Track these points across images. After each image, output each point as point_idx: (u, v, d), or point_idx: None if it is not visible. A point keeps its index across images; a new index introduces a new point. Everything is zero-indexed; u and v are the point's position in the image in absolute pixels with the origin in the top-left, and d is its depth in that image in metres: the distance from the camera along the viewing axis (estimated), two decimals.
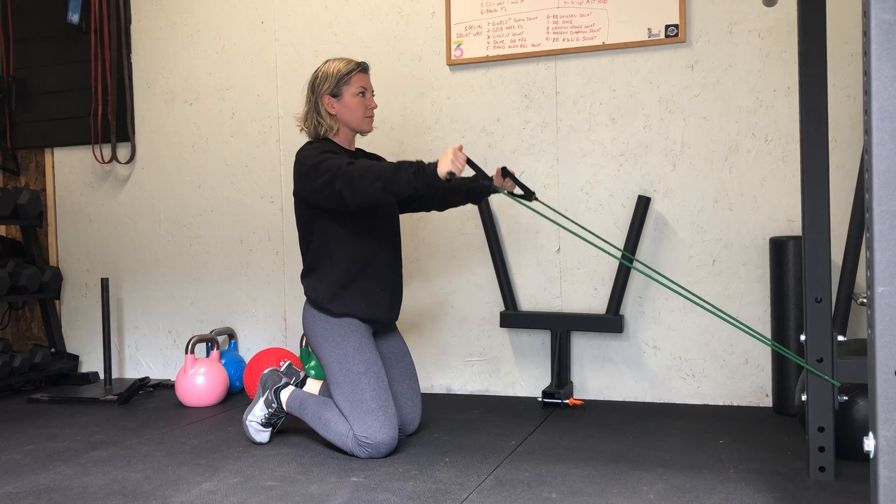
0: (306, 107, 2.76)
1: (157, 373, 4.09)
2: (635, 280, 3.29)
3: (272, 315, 3.86)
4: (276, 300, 3.85)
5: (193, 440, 2.83)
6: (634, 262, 3.15)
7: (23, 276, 3.86)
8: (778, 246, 2.97)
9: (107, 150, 4.11)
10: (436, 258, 3.57)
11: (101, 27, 4.05)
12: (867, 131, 1.36)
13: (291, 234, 3.75)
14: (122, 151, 4.10)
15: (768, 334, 3.09)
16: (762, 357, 3.15)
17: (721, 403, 3.21)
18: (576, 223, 2.53)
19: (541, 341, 3.43)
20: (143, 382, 3.62)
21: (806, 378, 2.21)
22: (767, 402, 3.14)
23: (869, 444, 1.38)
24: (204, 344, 3.69)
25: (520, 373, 3.46)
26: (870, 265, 1.36)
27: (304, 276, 2.76)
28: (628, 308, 3.31)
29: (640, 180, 3.28)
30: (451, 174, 2.32)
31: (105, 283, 3.82)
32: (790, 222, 3.10)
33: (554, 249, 3.40)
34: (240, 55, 3.86)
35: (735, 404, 3.19)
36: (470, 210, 3.46)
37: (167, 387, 3.80)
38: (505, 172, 2.61)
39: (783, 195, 3.11)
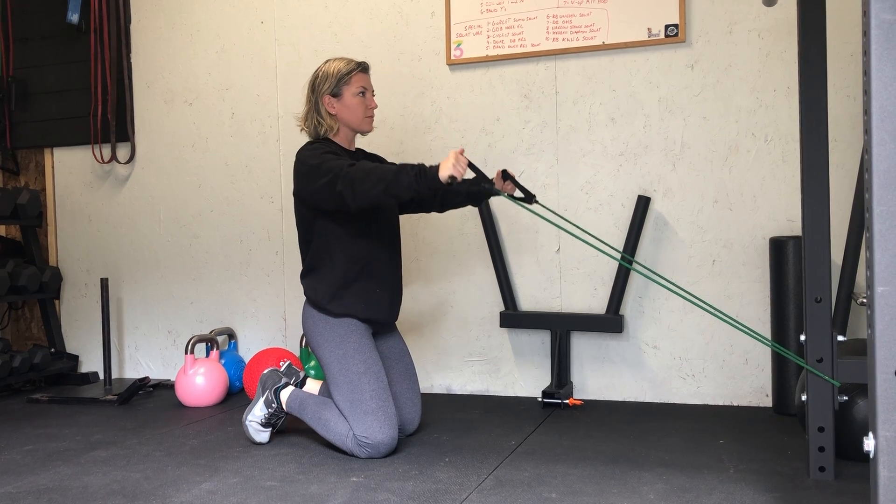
0: (306, 106, 2.76)
1: (156, 373, 4.08)
2: (635, 280, 3.29)
3: (272, 315, 3.86)
4: (276, 300, 3.85)
5: (193, 440, 2.82)
6: (634, 263, 3.15)
7: (22, 276, 3.86)
8: (778, 246, 2.97)
9: (106, 150, 4.11)
10: (436, 258, 3.57)
11: (101, 27, 4.04)
12: (867, 131, 1.36)
13: (291, 234, 3.75)
14: (122, 151, 4.10)
15: (768, 334, 3.09)
16: (762, 357, 3.15)
17: (721, 403, 3.21)
18: (576, 226, 2.53)
19: (541, 341, 3.43)
20: (143, 382, 3.62)
21: (806, 378, 2.21)
22: (767, 402, 3.14)
23: (869, 444, 1.38)
24: (204, 344, 3.69)
25: (520, 373, 3.46)
26: (870, 265, 1.36)
27: (304, 276, 2.76)
28: (628, 308, 3.31)
29: (640, 180, 3.28)
30: (452, 178, 2.32)
31: (105, 283, 3.82)
32: (790, 222, 3.10)
33: (554, 249, 3.40)
34: (239, 55, 3.86)
35: (735, 404, 3.19)
36: (470, 210, 3.46)
37: (167, 387, 3.80)
38: (505, 175, 2.61)
39: (783, 195, 3.11)
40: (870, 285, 1.36)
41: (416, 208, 2.89)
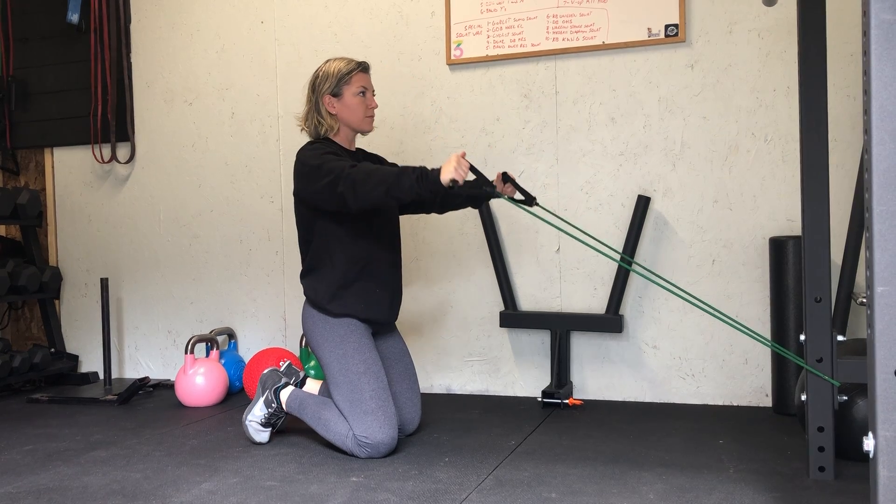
0: (307, 106, 2.76)
1: (156, 373, 4.08)
2: (635, 280, 3.29)
3: (272, 315, 3.86)
4: (276, 300, 3.85)
5: (193, 440, 2.83)
6: (633, 264, 3.15)
7: (22, 275, 3.86)
8: (778, 246, 2.97)
9: (106, 150, 4.11)
10: (436, 258, 3.57)
11: (101, 27, 4.04)
12: (867, 131, 1.36)
13: (291, 234, 3.75)
14: (122, 151, 4.10)
15: (768, 334, 3.09)
16: (762, 357, 3.15)
17: (721, 403, 3.21)
18: (576, 227, 2.52)
19: (540, 341, 3.43)
20: (143, 382, 3.62)
21: (806, 378, 2.21)
22: (767, 402, 3.14)
23: (868, 444, 1.38)
24: (204, 344, 3.69)
25: (519, 373, 3.46)
26: (869, 265, 1.36)
27: (304, 276, 2.76)
28: (628, 308, 3.31)
29: (640, 180, 3.28)
30: (453, 182, 2.32)
31: (105, 283, 3.82)
32: (790, 222, 3.10)
33: (553, 249, 3.40)
34: (239, 55, 3.86)
35: (735, 404, 3.19)
36: (470, 211, 3.46)
37: (167, 387, 3.80)
38: (506, 178, 2.61)
39: (783, 195, 3.11)
40: (870, 285, 1.36)
41: (416, 209, 2.89)
